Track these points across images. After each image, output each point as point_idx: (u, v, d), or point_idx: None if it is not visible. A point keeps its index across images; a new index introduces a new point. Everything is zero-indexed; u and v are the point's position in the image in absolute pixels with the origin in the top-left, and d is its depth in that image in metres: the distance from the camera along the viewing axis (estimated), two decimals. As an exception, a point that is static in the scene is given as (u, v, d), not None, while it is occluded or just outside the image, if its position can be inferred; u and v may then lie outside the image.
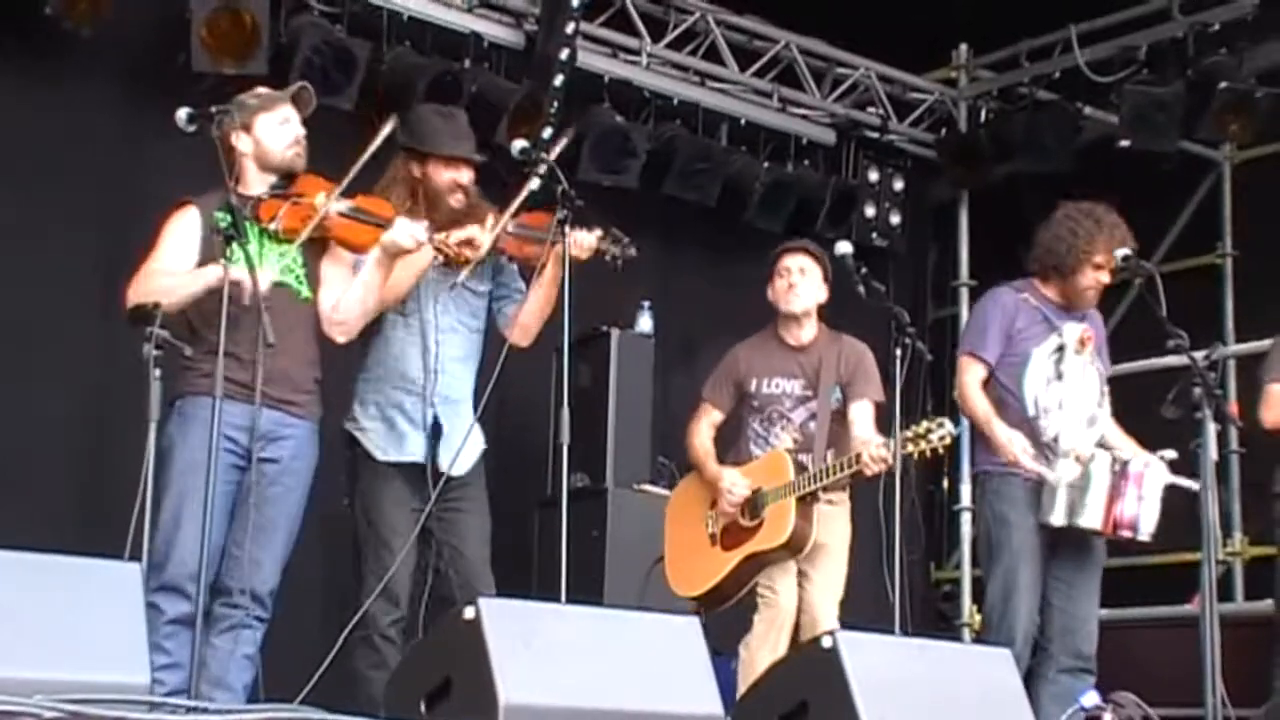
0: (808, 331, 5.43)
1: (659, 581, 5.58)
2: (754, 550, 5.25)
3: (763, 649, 5.16)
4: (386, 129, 4.50)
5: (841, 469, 5.10)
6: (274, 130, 4.47)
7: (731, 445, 5.49)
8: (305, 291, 4.44)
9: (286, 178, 4.48)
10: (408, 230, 4.46)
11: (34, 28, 5.97)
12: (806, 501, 5.19)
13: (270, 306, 4.09)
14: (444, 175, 4.80)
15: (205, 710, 3.51)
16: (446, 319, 4.80)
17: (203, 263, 4.32)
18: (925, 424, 4.92)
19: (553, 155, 4.67)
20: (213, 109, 4.27)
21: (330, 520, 6.34)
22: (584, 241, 4.58)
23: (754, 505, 5.29)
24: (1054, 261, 5.24)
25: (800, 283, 5.38)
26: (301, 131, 4.50)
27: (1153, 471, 5.04)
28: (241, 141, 4.46)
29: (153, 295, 4.15)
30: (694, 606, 5.29)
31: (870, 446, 5.01)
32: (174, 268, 4.34)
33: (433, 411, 4.73)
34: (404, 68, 6.70)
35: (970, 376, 5.26)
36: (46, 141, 6.07)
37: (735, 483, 5.31)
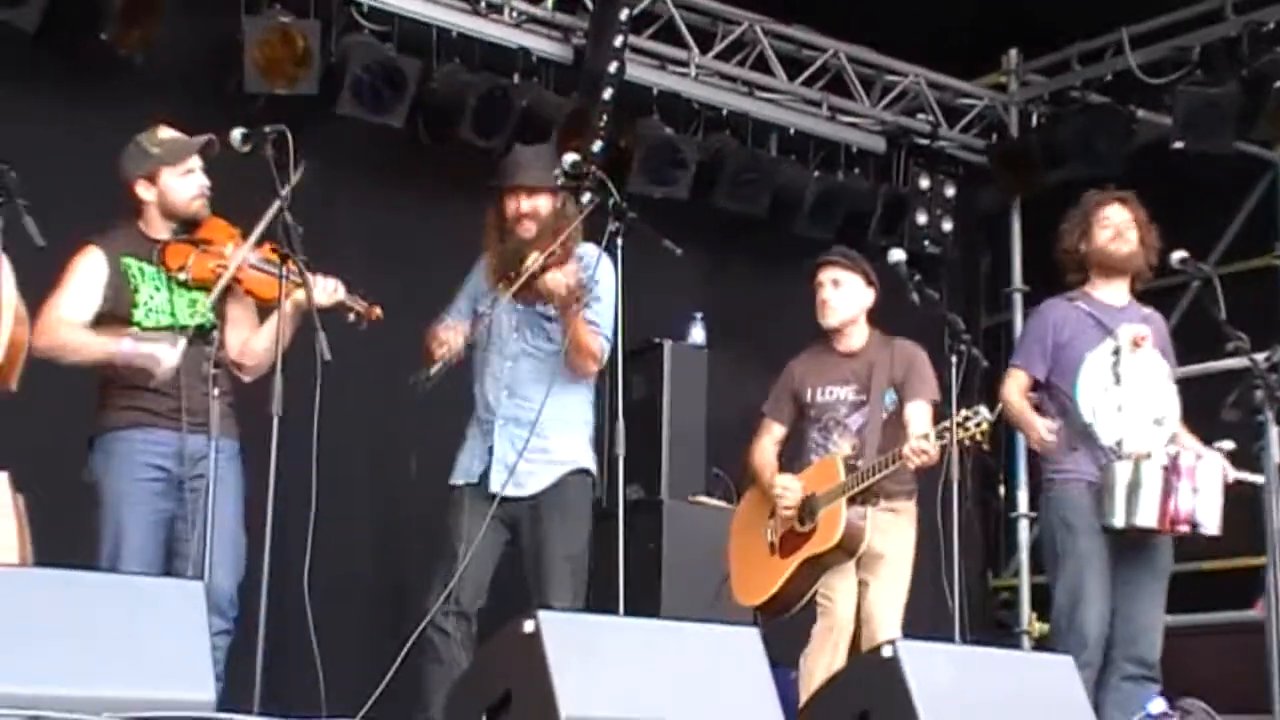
0: (857, 338, 5.41)
1: (726, 599, 5.57)
2: (810, 554, 5.24)
3: (820, 660, 5.15)
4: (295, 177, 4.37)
5: (886, 465, 5.08)
6: (177, 183, 4.53)
7: (796, 458, 5.48)
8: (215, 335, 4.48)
9: (189, 224, 4.54)
10: (321, 291, 4.43)
11: (88, 52, 6.04)
12: (858, 501, 5.17)
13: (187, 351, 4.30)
14: (508, 206, 4.94)
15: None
16: (515, 345, 4.94)
17: (105, 307, 4.44)
18: (963, 412, 4.86)
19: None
20: (266, 129, 4.31)
21: (385, 532, 6.39)
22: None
23: (808, 511, 5.28)
24: (1069, 244, 5.35)
25: (833, 296, 5.38)
26: (206, 182, 4.52)
27: (1206, 464, 5.01)
28: (144, 190, 4.54)
29: (60, 351, 4.34)
30: (757, 617, 5.30)
31: (911, 440, 4.99)
32: (76, 315, 4.41)
33: (489, 440, 4.89)
34: (454, 85, 6.74)
35: (1008, 385, 5.31)
36: (101, 166, 6.11)
37: (788, 486, 5.31)
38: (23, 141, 5.22)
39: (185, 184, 4.52)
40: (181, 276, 4.43)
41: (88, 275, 4.47)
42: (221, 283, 4.39)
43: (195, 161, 4.53)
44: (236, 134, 4.35)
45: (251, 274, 4.44)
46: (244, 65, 6.25)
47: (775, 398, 5.53)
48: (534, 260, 4.79)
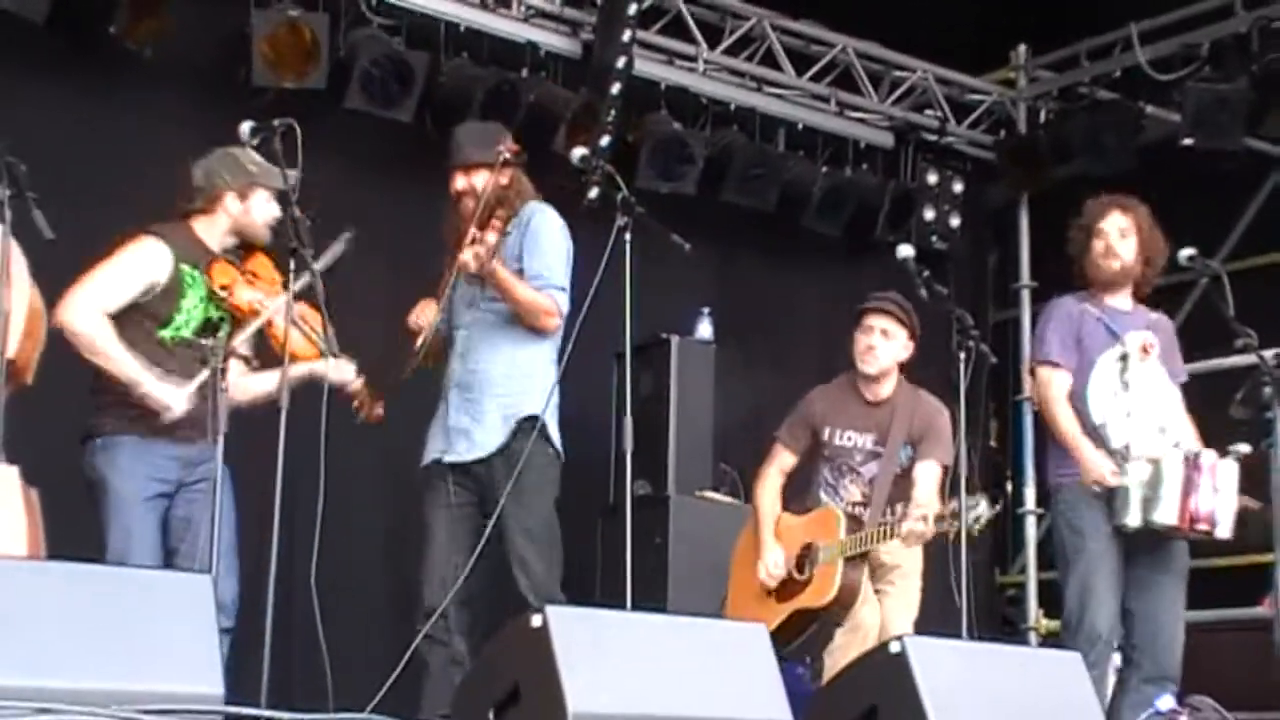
0: (885, 388, 5.39)
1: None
2: (802, 606, 5.27)
3: (845, 656, 5.13)
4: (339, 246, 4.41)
5: (884, 536, 5.09)
6: (263, 207, 4.58)
7: (804, 489, 5.48)
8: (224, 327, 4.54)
9: (247, 246, 4.60)
10: (340, 371, 4.55)
11: (97, 46, 6.04)
12: (854, 561, 5.19)
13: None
14: (451, 186, 4.95)
15: (278, 720, 3.52)
16: (468, 315, 4.93)
17: (144, 300, 4.44)
18: (966, 501, 4.75)
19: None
20: (275, 122, 4.31)
21: (392, 526, 6.38)
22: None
23: (806, 560, 5.30)
24: (1072, 253, 5.27)
25: (880, 345, 5.34)
26: (279, 213, 4.54)
27: (1226, 465, 4.96)
28: (233, 202, 4.57)
29: (88, 346, 4.35)
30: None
31: (909, 521, 4.97)
32: (110, 303, 4.42)
33: (446, 412, 4.89)
34: (462, 79, 6.74)
35: (1054, 389, 5.14)
36: (109, 159, 6.13)
37: (774, 564, 5.33)
38: (31, 132, 5.21)
39: (268, 210, 4.58)
40: (222, 294, 4.48)
41: (142, 269, 4.47)
42: (251, 329, 4.44)
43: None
44: (245, 127, 4.34)
45: (281, 324, 4.39)
46: (252, 58, 6.25)
47: (791, 426, 5.51)
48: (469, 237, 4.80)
